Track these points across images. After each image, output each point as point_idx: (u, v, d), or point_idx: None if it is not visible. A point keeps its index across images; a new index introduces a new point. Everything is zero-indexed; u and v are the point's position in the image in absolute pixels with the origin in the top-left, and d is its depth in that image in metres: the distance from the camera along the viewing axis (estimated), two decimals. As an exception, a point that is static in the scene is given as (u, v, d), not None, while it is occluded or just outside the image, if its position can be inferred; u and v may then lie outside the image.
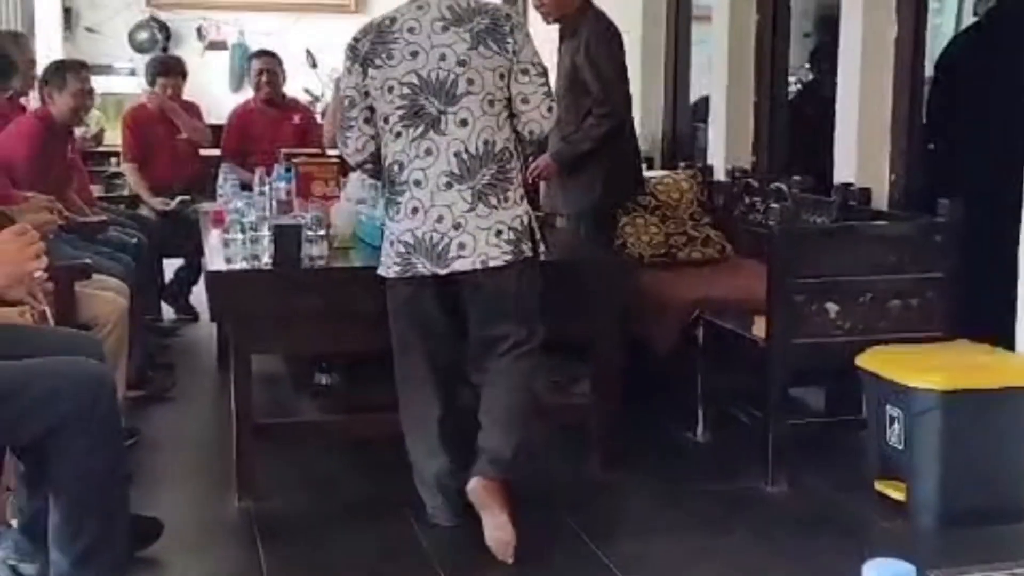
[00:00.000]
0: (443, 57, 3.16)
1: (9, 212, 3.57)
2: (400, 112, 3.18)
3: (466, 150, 3.15)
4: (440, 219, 3.15)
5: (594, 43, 4.33)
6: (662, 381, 4.21)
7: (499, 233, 3.15)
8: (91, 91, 5.07)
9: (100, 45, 8.66)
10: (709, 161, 5.39)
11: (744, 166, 5.10)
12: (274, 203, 4.31)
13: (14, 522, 3.02)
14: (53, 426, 2.35)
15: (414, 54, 3.17)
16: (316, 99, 8.14)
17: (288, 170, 4.49)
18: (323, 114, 7.68)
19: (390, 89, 3.19)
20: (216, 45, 8.87)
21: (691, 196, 4.81)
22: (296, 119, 6.27)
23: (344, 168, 4.49)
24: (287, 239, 3.45)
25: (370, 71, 3.21)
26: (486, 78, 3.17)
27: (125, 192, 6.22)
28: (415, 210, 3.17)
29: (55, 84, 4.87)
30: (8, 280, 2.37)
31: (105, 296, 3.84)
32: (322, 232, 3.52)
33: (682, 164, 5.38)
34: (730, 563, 3.15)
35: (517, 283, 3.20)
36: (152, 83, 6.11)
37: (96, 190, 6.00)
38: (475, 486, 3.15)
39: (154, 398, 4.48)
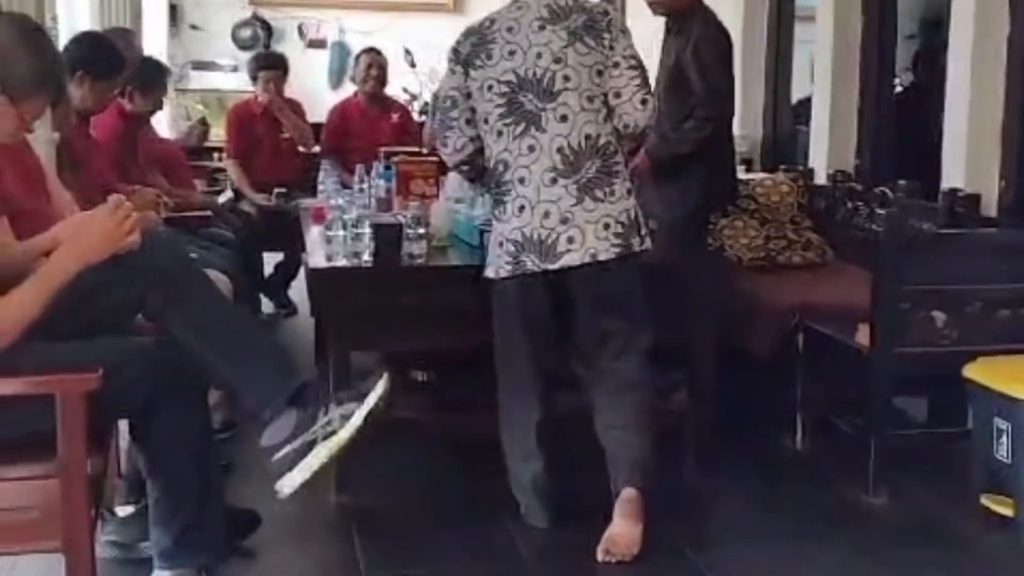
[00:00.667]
0: (539, 55, 3.17)
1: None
2: (500, 111, 3.20)
3: (568, 145, 3.15)
4: (547, 215, 3.14)
5: (703, 43, 4.20)
6: (760, 388, 4.15)
7: (607, 226, 3.14)
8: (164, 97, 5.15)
9: (204, 42, 8.83)
10: (810, 164, 5.31)
11: (847, 169, 5.01)
12: (373, 200, 4.35)
13: (119, 510, 3.10)
14: (152, 398, 2.44)
15: (512, 53, 3.19)
16: (414, 98, 8.19)
17: (388, 168, 4.53)
18: (421, 112, 7.76)
19: (490, 88, 3.20)
20: (316, 43, 8.98)
21: (792, 199, 4.74)
22: (395, 117, 6.31)
23: (443, 167, 4.53)
24: (387, 237, 3.48)
25: (471, 72, 3.23)
26: (582, 74, 3.17)
27: (227, 187, 6.31)
28: (522, 208, 3.17)
29: (143, 85, 4.89)
30: (105, 251, 2.41)
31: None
32: (421, 231, 3.54)
33: (782, 167, 5.31)
34: (827, 571, 3.10)
35: (627, 278, 3.20)
36: (254, 78, 6.17)
37: (198, 185, 6.10)
38: (629, 496, 3.13)
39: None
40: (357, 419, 2.54)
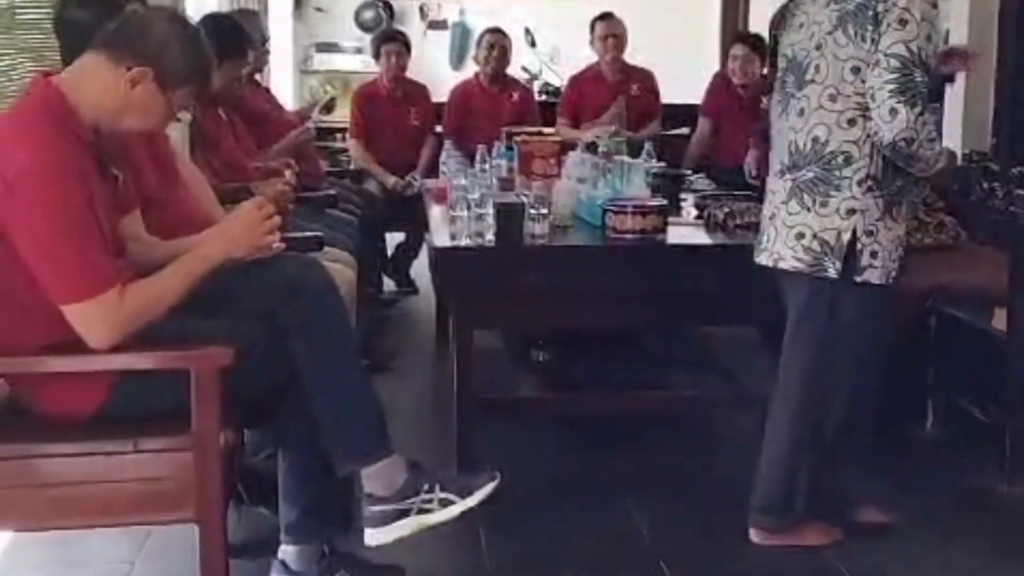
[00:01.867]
0: (811, 36, 2.90)
1: (251, 187, 3.74)
2: (777, 85, 3.06)
3: (795, 143, 2.93)
4: (769, 205, 3.04)
5: None
6: (891, 372, 4.04)
7: (800, 236, 2.89)
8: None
9: (328, 24, 8.97)
10: (944, 143, 5.14)
11: (983, 149, 4.84)
12: (495, 180, 4.36)
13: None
14: (279, 385, 2.50)
15: (800, 25, 2.95)
16: (534, 77, 8.19)
17: (510, 148, 4.52)
18: (541, 92, 7.74)
19: (781, 57, 3.05)
20: (437, 24, 9.04)
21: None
22: (516, 97, 6.30)
23: (564, 147, 4.51)
24: (510, 217, 3.47)
25: (780, 38, 3.06)
26: (833, 69, 2.83)
27: (351, 167, 6.39)
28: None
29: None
30: (246, 253, 2.49)
31: (335, 267, 3.95)
32: (544, 211, 3.52)
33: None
34: (963, 567, 3.01)
35: (809, 302, 2.94)
36: (376, 54, 6.18)
37: (323, 165, 6.18)
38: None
39: (376, 368, 4.59)
40: (454, 511, 2.61)
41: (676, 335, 4.72)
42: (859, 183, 2.83)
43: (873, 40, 2.74)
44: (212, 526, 2.41)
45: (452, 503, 2.60)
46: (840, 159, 2.84)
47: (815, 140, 2.88)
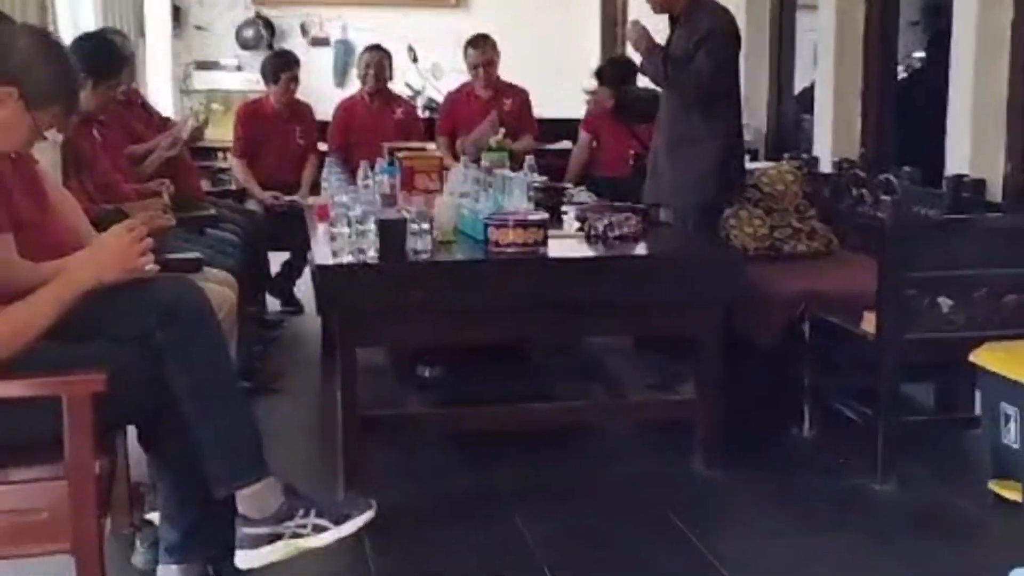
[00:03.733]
0: None
1: (126, 209, 3.67)
2: None
3: None
4: None
5: (716, 36, 4.33)
6: (767, 377, 4.15)
7: None
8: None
9: (208, 42, 8.86)
10: (815, 152, 5.30)
11: (851, 157, 5.00)
12: (378, 196, 4.35)
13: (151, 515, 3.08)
14: (155, 408, 2.47)
15: None
16: (417, 93, 8.20)
17: (392, 164, 4.52)
18: (425, 108, 7.76)
19: None
20: (319, 41, 8.99)
21: (796, 188, 4.71)
22: (399, 113, 6.32)
23: (444, 162, 4.54)
24: (392, 233, 3.47)
25: None
26: None
27: (232, 186, 6.31)
28: None
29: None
30: (118, 276, 2.45)
31: (214, 288, 3.90)
32: (426, 226, 3.53)
33: (787, 155, 5.30)
34: (840, 563, 3.09)
35: None
36: (275, 80, 6.08)
37: (203, 184, 6.10)
38: None
39: (260, 390, 4.54)
40: (327, 537, 2.61)
41: (561, 347, 4.77)
42: None
43: None
44: (89, 557, 2.36)
45: (326, 529, 2.60)
46: None
47: None
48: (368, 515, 2.67)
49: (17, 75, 2.30)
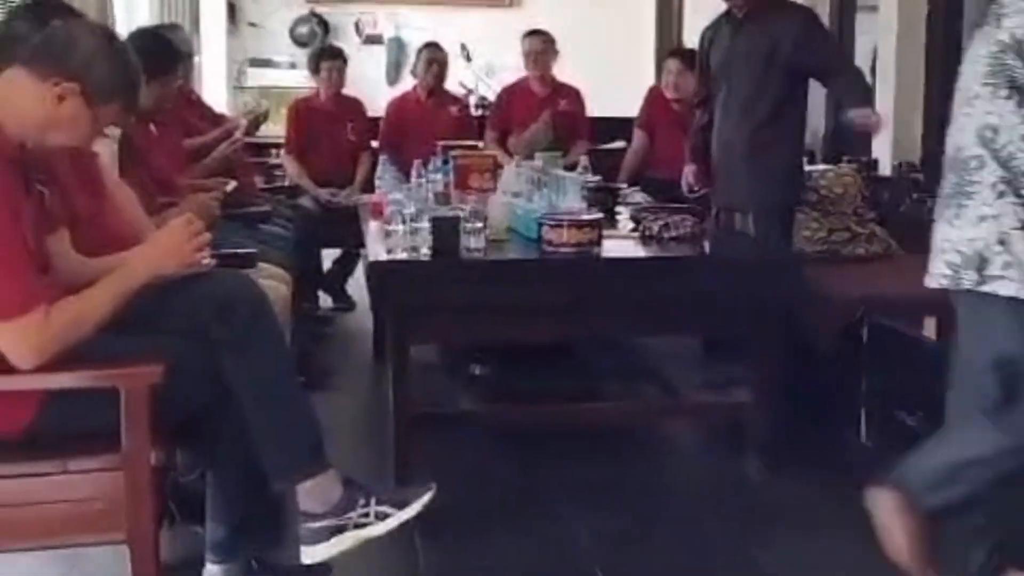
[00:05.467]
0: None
1: (176, 203, 3.70)
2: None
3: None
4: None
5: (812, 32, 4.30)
6: (825, 381, 4.09)
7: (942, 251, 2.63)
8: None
9: (262, 39, 8.92)
10: (874, 155, 5.23)
11: (912, 160, 4.93)
12: (431, 195, 4.35)
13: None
14: (210, 402, 2.46)
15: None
16: (470, 92, 8.20)
17: (446, 162, 4.52)
18: (477, 107, 7.76)
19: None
20: (373, 39, 9.03)
21: (855, 191, 4.66)
22: (453, 111, 6.32)
23: (498, 161, 4.52)
24: (446, 231, 3.47)
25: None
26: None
27: (286, 183, 6.35)
28: None
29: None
30: (175, 270, 2.48)
31: (269, 284, 3.91)
32: (480, 224, 3.52)
33: (846, 158, 5.23)
34: (890, 573, 3.04)
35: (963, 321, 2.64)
36: (316, 70, 6.17)
37: (258, 181, 6.13)
38: None
39: (313, 385, 4.55)
40: (391, 523, 2.60)
41: (613, 347, 4.75)
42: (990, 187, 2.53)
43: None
44: (143, 547, 2.37)
45: (389, 515, 2.59)
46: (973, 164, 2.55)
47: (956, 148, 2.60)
48: (428, 495, 2.65)
49: (80, 71, 2.32)
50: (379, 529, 2.58)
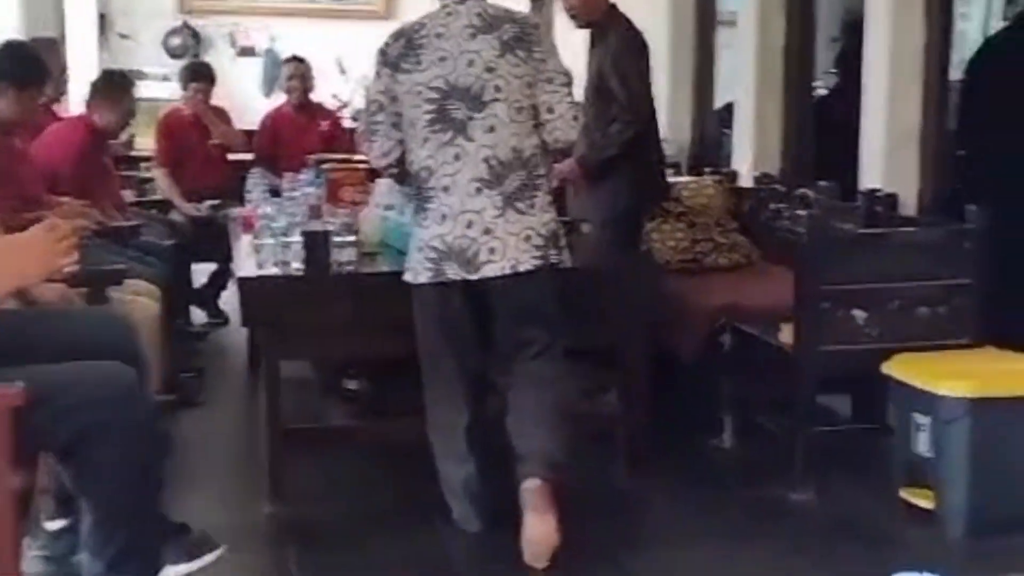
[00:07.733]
0: (471, 63, 3.17)
1: (44, 217, 3.62)
2: (428, 117, 3.20)
3: (495, 156, 3.17)
4: (470, 224, 3.16)
5: (621, 52, 4.32)
6: (688, 388, 4.21)
7: (528, 238, 3.17)
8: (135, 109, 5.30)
9: (133, 51, 8.73)
10: (735, 167, 5.39)
11: (771, 172, 5.10)
12: (303, 208, 4.35)
13: (48, 524, 3.06)
14: (84, 432, 2.37)
15: (442, 59, 3.19)
16: (344, 105, 8.18)
17: (317, 176, 4.52)
18: (352, 119, 7.75)
19: (418, 94, 3.20)
20: (247, 51, 8.92)
21: (718, 202, 4.81)
22: (325, 125, 6.34)
23: (372, 174, 4.53)
24: (317, 245, 3.47)
25: (399, 76, 3.23)
26: (513, 85, 3.19)
27: (156, 197, 6.27)
28: (444, 216, 3.18)
29: (108, 98, 5.00)
30: (41, 273, 2.39)
31: (137, 300, 3.88)
32: (351, 238, 3.54)
33: (708, 170, 5.38)
34: (756, 572, 3.16)
35: (544, 288, 3.23)
36: (185, 88, 6.21)
37: (127, 195, 6.04)
38: (530, 487, 3.11)
39: (184, 403, 4.51)
40: None
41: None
42: (545, 180, 3.30)
43: (540, 60, 3.23)
44: (5, 572, 2.33)
45: None
46: (534, 162, 3.23)
47: (514, 149, 3.19)
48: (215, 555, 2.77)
49: None
50: None
